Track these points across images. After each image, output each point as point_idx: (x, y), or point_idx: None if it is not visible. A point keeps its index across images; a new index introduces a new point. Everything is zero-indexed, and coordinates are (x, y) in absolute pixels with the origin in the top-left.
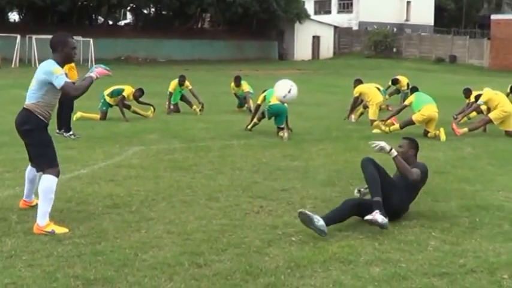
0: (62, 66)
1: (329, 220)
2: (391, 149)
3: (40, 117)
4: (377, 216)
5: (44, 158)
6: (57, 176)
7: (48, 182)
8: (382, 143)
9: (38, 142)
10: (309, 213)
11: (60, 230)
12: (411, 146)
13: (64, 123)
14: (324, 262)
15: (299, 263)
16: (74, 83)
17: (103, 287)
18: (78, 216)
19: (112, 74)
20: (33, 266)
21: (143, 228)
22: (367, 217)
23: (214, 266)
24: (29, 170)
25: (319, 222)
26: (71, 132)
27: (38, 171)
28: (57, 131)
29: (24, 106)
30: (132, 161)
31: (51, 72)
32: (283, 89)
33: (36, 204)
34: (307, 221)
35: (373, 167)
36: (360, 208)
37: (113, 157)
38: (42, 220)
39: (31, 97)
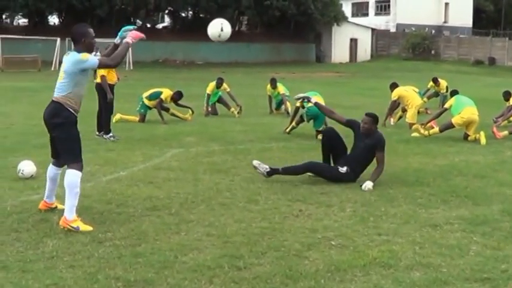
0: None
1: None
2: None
3: (70, 110)
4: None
5: (71, 152)
6: (81, 170)
7: (72, 177)
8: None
9: (67, 136)
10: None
11: (85, 227)
12: (373, 122)
13: (104, 126)
14: (364, 266)
15: (339, 267)
16: (113, 85)
17: None
18: (118, 218)
19: (144, 37)
20: (74, 267)
21: (183, 230)
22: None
23: (254, 269)
24: (50, 169)
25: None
26: (110, 134)
27: (61, 164)
28: (97, 133)
29: (54, 99)
30: (171, 163)
31: (80, 59)
32: (215, 29)
33: (56, 207)
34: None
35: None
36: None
37: (152, 159)
38: (70, 214)
39: (61, 89)
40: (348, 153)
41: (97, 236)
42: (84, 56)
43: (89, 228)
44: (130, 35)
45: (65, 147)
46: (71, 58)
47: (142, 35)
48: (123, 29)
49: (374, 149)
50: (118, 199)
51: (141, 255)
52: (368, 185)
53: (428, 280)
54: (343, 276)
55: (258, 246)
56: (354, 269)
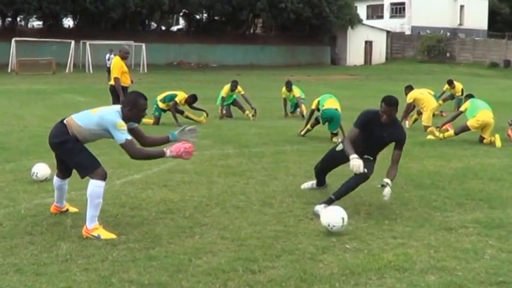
0: (127, 122)
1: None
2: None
3: (70, 134)
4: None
5: (81, 166)
6: (104, 179)
7: (94, 187)
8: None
9: (69, 153)
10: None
11: (106, 235)
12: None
13: None
14: (378, 270)
15: (354, 271)
16: (127, 87)
17: None
18: (132, 221)
19: (191, 156)
20: (88, 270)
21: (197, 233)
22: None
23: (269, 273)
24: (55, 179)
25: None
26: None
27: (81, 177)
28: None
29: (65, 121)
30: (186, 166)
31: (115, 125)
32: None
33: (67, 210)
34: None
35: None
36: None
37: (166, 162)
38: (90, 223)
39: (82, 119)
40: (365, 144)
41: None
42: (121, 125)
43: (112, 236)
44: (174, 149)
45: (74, 163)
46: (111, 115)
47: (187, 157)
48: (182, 130)
49: (392, 142)
50: (132, 202)
51: (155, 259)
52: (387, 192)
53: (443, 284)
54: (357, 279)
55: (273, 250)
56: (369, 272)
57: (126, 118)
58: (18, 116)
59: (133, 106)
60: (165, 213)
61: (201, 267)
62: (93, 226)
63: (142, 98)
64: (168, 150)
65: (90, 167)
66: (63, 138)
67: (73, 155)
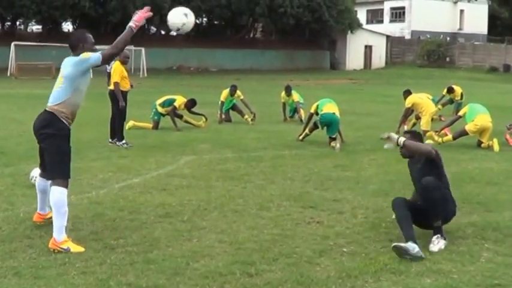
0: None
1: (414, 238)
2: (398, 138)
3: (64, 121)
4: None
5: (59, 166)
6: (67, 187)
7: (58, 194)
8: (392, 134)
9: (57, 149)
10: (402, 244)
11: (76, 248)
12: (413, 137)
13: (117, 132)
14: (375, 273)
15: (350, 274)
16: (126, 92)
17: None
18: (130, 224)
19: (151, 14)
20: (86, 273)
21: (195, 237)
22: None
23: (266, 276)
24: (39, 181)
25: (415, 249)
26: (123, 141)
27: (48, 179)
28: (110, 140)
29: (47, 109)
30: (184, 171)
31: (82, 59)
32: (177, 18)
33: (51, 218)
34: (402, 253)
35: (404, 207)
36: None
37: (165, 166)
38: (59, 235)
39: (57, 97)
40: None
41: (109, 242)
42: (85, 54)
43: (81, 249)
44: (133, 18)
45: (54, 160)
46: (71, 61)
47: (146, 15)
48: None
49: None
50: (130, 206)
51: (153, 262)
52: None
53: (438, 286)
54: (354, 282)
55: (270, 253)
56: (365, 275)
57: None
58: (17, 121)
59: (84, 41)
60: (163, 217)
61: (199, 271)
62: (62, 238)
63: (88, 33)
64: (131, 23)
65: (67, 172)
66: (56, 131)
67: (59, 153)
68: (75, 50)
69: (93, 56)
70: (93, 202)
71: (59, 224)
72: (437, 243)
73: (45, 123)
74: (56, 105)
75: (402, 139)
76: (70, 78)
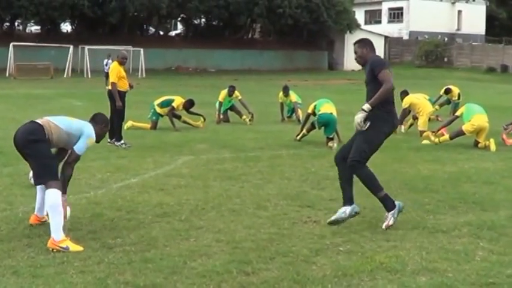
0: (97, 139)
1: (351, 200)
2: (364, 110)
3: (46, 134)
4: (390, 220)
5: (48, 169)
6: (60, 188)
7: (53, 196)
8: (358, 118)
9: (43, 153)
10: (335, 217)
11: (75, 247)
12: (362, 46)
13: (115, 133)
14: (371, 271)
15: (346, 272)
16: (125, 92)
17: None
18: (128, 224)
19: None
20: (84, 272)
21: (192, 236)
22: (384, 226)
23: (262, 274)
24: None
25: (347, 210)
26: (122, 142)
27: (39, 184)
28: (109, 140)
29: (38, 121)
30: (182, 170)
31: (89, 138)
32: None
33: (46, 221)
34: (340, 222)
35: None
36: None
37: (163, 166)
38: (57, 234)
39: (63, 123)
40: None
41: (107, 242)
42: (90, 141)
43: (79, 248)
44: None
45: (42, 163)
46: (90, 130)
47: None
48: None
49: (373, 73)
50: (128, 206)
51: (151, 261)
52: (359, 114)
53: (433, 285)
54: (350, 281)
55: (267, 252)
56: (361, 274)
57: (97, 135)
58: (16, 121)
59: (106, 125)
60: (161, 216)
61: (196, 270)
62: (60, 237)
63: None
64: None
65: (54, 174)
66: (39, 137)
67: (44, 156)
68: (96, 124)
69: (83, 148)
70: (92, 202)
71: (56, 224)
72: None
73: (33, 131)
74: (53, 124)
75: (368, 106)
76: (75, 131)
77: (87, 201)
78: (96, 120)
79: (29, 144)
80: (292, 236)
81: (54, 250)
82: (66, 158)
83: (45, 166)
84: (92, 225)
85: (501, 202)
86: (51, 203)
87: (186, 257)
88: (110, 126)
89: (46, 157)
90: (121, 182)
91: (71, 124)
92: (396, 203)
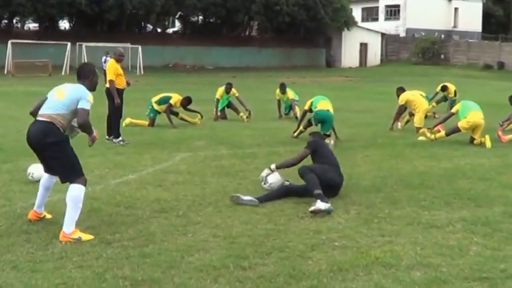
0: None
1: (261, 199)
2: (270, 169)
3: (61, 129)
4: (319, 204)
5: (72, 169)
6: (85, 185)
7: (77, 191)
8: (263, 173)
9: (65, 154)
10: (236, 195)
11: (86, 237)
12: (319, 137)
13: (113, 130)
14: (366, 266)
15: (341, 267)
16: (123, 89)
17: None
18: (126, 220)
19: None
20: (83, 267)
21: (190, 232)
22: (311, 209)
23: (259, 269)
24: (47, 178)
25: (246, 197)
26: (120, 138)
27: (63, 182)
28: (107, 137)
29: (45, 118)
30: (180, 167)
31: (87, 96)
32: None
33: (44, 217)
34: (236, 201)
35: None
36: (292, 192)
37: (160, 163)
38: (69, 228)
39: (59, 108)
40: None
41: (105, 237)
42: (90, 98)
43: (90, 236)
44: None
45: (66, 165)
46: (80, 89)
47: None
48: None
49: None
50: (127, 201)
51: (149, 256)
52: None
53: (428, 279)
54: (345, 275)
55: (263, 247)
56: (356, 268)
57: (91, 88)
58: (14, 118)
59: (93, 74)
60: (159, 212)
61: (193, 264)
62: (71, 229)
63: (93, 66)
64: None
65: (81, 171)
66: (60, 138)
67: (68, 156)
68: (84, 79)
69: (87, 104)
70: (90, 198)
71: (71, 218)
72: (313, 205)
73: (46, 132)
74: (56, 114)
75: (273, 166)
76: (72, 101)
77: (85, 196)
78: (82, 77)
79: (50, 146)
80: (288, 231)
81: (67, 242)
82: (77, 118)
83: (70, 165)
84: (90, 220)
85: (496, 198)
86: (74, 197)
87: (183, 251)
88: (107, 121)
89: (69, 156)
90: (119, 178)
91: (66, 101)
92: (328, 205)
